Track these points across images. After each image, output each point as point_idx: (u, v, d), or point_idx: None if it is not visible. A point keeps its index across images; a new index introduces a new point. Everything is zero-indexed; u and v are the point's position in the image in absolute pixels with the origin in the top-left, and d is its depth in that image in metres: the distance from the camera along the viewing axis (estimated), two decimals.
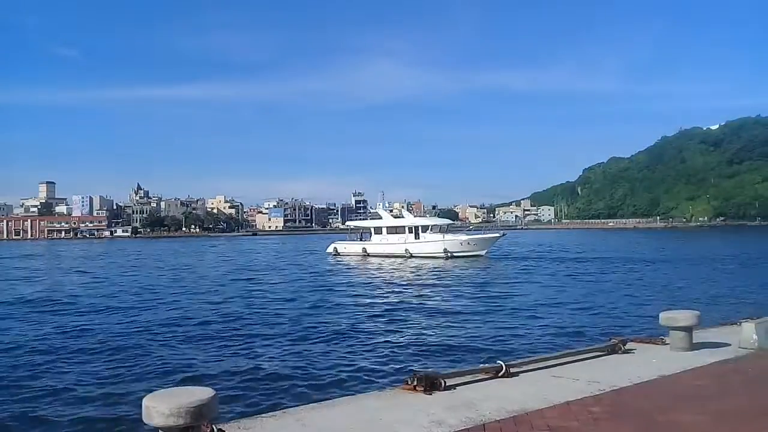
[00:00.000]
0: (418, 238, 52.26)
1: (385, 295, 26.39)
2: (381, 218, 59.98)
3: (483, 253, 49.93)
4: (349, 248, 58.41)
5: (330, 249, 60.06)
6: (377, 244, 55.63)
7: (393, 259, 50.32)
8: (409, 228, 53.61)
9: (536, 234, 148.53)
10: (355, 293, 27.00)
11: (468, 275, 35.71)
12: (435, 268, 41.32)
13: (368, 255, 54.68)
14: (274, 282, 33.26)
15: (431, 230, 52.52)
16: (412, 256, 51.06)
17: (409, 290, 28.02)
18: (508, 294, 25.40)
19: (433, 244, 51.01)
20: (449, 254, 49.13)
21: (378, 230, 56.52)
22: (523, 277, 33.61)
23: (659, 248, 66.66)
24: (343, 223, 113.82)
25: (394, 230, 54.81)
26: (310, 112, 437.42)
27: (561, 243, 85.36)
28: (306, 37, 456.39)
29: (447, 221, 61.06)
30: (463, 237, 52.84)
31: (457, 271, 38.77)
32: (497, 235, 52.86)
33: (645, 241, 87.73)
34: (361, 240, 59.42)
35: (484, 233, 55.59)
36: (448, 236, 52.01)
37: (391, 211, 70.01)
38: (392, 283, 31.58)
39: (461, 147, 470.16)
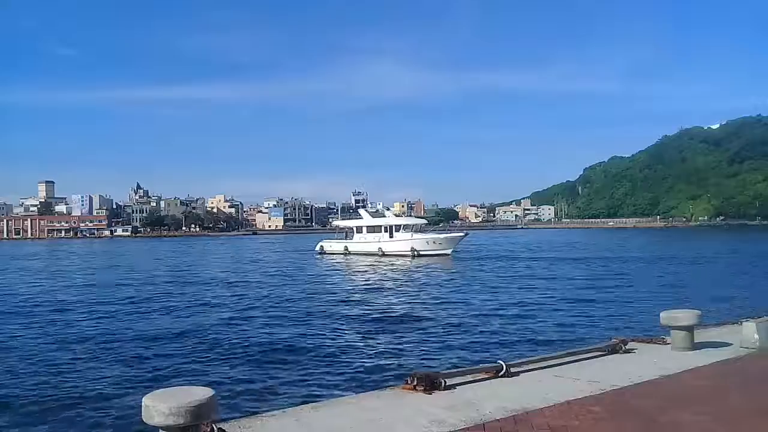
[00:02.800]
0: (392, 237, 55.44)
1: (379, 294, 26.38)
2: (362, 218, 63.57)
3: (448, 252, 52.46)
4: (334, 246, 61.60)
5: (317, 247, 63.38)
6: (356, 243, 59.11)
7: (369, 257, 53.03)
8: (384, 227, 56.90)
9: (535, 233, 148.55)
10: (348, 293, 27.03)
11: (450, 275, 35.91)
12: (404, 266, 43.36)
13: (349, 253, 57.75)
14: (267, 281, 33.45)
15: (403, 230, 55.62)
16: (384, 255, 53.84)
17: (402, 290, 28.02)
18: (505, 294, 25.39)
19: (402, 243, 54.03)
20: (416, 253, 51.82)
21: (359, 229, 60.05)
22: (518, 278, 33.61)
23: (659, 247, 66.63)
24: None
25: (372, 229, 58.19)
26: (310, 112, 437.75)
27: (552, 242, 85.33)
28: (306, 38, 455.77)
29: (421, 221, 63.80)
30: (430, 236, 55.83)
31: (431, 269, 39.76)
32: (461, 234, 56.01)
33: (645, 241, 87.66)
34: (345, 238, 62.27)
35: (448, 233, 58.92)
36: (417, 236, 54.77)
37: (376, 211, 72.88)
38: (382, 284, 31.71)
39: (461, 147, 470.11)
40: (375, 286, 30.20)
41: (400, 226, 56.60)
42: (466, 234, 57.21)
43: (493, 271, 38.47)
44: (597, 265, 40.99)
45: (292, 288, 29.31)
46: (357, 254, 56.51)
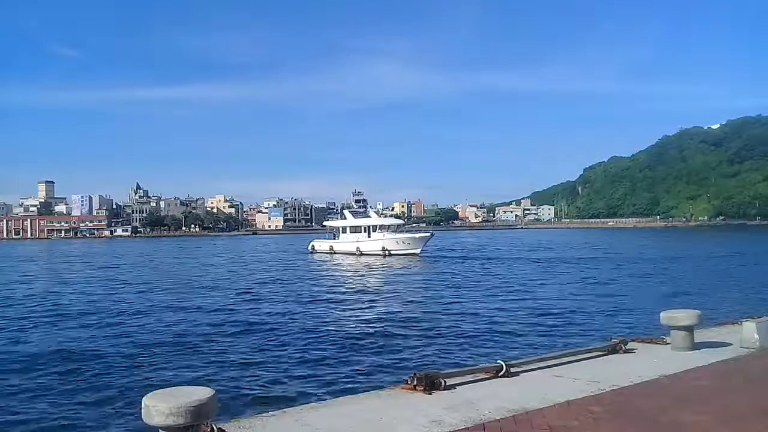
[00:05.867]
0: (370, 237, 58.34)
1: (373, 295, 26.38)
2: (346, 218, 67.05)
3: (417, 251, 54.89)
4: (323, 246, 65.11)
5: (309, 247, 66.81)
6: (340, 242, 62.57)
7: (349, 257, 55.98)
8: (364, 228, 60.08)
9: (533, 233, 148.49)
10: (346, 293, 27.03)
11: (427, 274, 36.00)
12: (377, 265, 45.33)
13: (334, 252, 61.06)
14: (264, 281, 33.56)
15: (380, 230, 58.61)
16: (362, 254, 56.71)
17: (401, 290, 28.02)
18: (502, 294, 25.39)
19: (376, 242, 56.90)
20: (387, 252, 54.51)
21: (344, 230, 63.63)
22: (509, 278, 33.60)
23: (659, 247, 66.63)
24: None
25: (354, 230, 61.44)
26: (310, 112, 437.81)
27: (547, 242, 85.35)
28: (306, 38, 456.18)
29: (399, 222, 68.19)
30: (400, 236, 58.29)
31: (407, 269, 40.70)
32: (428, 235, 58.54)
33: (645, 241, 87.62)
34: (334, 238, 65.58)
35: (416, 233, 62.04)
36: (388, 236, 57.41)
37: (367, 211, 75.30)
38: (380, 282, 31.73)
39: (461, 147, 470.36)
40: (365, 286, 30.19)
41: (377, 226, 59.74)
42: (432, 235, 59.70)
43: (476, 271, 38.46)
44: (596, 266, 40.97)
45: (288, 288, 29.32)
46: (340, 253, 59.68)
